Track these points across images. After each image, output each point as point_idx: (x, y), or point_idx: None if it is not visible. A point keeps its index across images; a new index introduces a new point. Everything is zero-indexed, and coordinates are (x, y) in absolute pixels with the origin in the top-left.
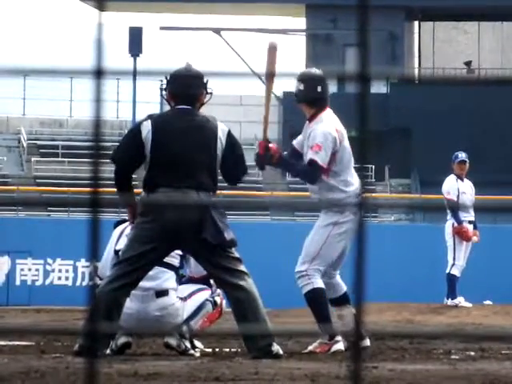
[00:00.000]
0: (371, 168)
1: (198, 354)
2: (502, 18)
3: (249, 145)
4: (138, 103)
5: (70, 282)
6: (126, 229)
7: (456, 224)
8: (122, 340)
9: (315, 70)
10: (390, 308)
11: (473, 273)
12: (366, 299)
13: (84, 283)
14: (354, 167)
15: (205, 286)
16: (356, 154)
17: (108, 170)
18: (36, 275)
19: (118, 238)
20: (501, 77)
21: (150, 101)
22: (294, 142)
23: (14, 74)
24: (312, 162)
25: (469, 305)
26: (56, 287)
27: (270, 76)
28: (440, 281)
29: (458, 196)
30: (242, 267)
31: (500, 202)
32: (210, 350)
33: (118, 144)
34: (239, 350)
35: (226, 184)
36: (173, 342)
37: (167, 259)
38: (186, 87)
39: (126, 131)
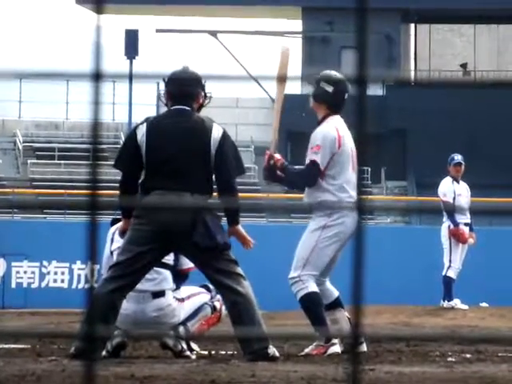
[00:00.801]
0: (367, 170)
1: (194, 357)
2: (497, 21)
3: (245, 147)
4: (134, 105)
5: (65, 285)
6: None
7: (452, 226)
8: (117, 340)
9: (335, 74)
10: (386, 310)
11: (469, 275)
12: (363, 302)
13: (80, 286)
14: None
15: (204, 290)
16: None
17: (106, 172)
18: (32, 278)
19: (112, 238)
20: (497, 79)
21: (146, 103)
22: None
23: (13, 78)
24: (312, 162)
25: (465, 307)
26: (52, 290)
27: (281, 80)
28: (436, 283)
29: (454, 198)
30: (238, 269)
31: (496, 204)
32: (206, 352)
33: (118, 150)
34: (235, 352)
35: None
36: (169, 341)
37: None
38: (182, 86)
39: (123, 134)
